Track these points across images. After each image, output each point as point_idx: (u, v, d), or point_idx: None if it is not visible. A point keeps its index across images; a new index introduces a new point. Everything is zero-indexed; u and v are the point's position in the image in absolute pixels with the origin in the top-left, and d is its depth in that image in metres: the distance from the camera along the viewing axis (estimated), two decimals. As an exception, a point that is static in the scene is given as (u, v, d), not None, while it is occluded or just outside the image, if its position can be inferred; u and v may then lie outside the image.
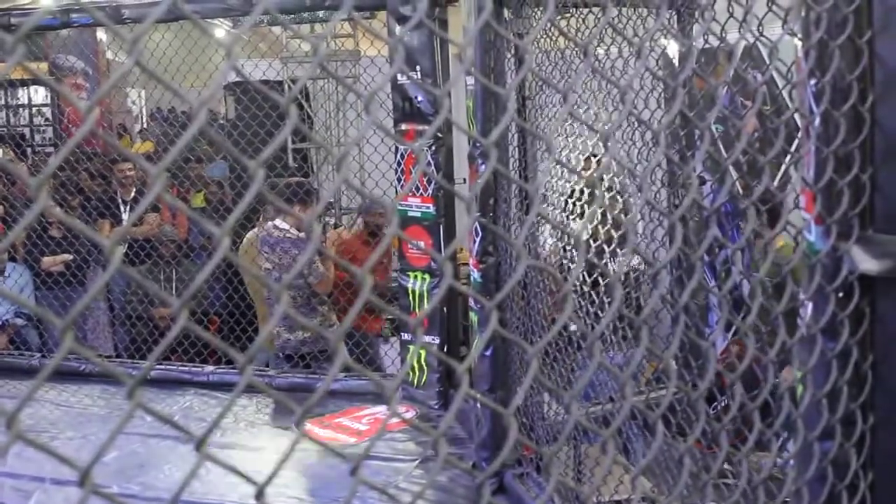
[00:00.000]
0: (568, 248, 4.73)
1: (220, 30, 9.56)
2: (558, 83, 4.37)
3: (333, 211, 7.13)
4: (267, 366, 6.76)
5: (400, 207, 5.54)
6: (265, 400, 5.97)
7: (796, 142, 5.06)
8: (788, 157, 5.50)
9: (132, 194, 8.13)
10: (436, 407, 5.79)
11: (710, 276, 5.86)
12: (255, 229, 6.75)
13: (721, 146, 5.89)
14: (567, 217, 4.82)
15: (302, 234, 6.12)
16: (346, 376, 6.06)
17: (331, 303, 6.51)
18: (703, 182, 4.71)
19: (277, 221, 6.28)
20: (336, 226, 6.61)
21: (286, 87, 8.22)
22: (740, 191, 6.24)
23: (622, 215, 4.44)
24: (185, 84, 7.50)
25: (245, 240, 6.79)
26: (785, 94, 5.27)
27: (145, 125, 15.66)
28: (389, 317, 7.93)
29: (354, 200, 7.96)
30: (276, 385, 6.14)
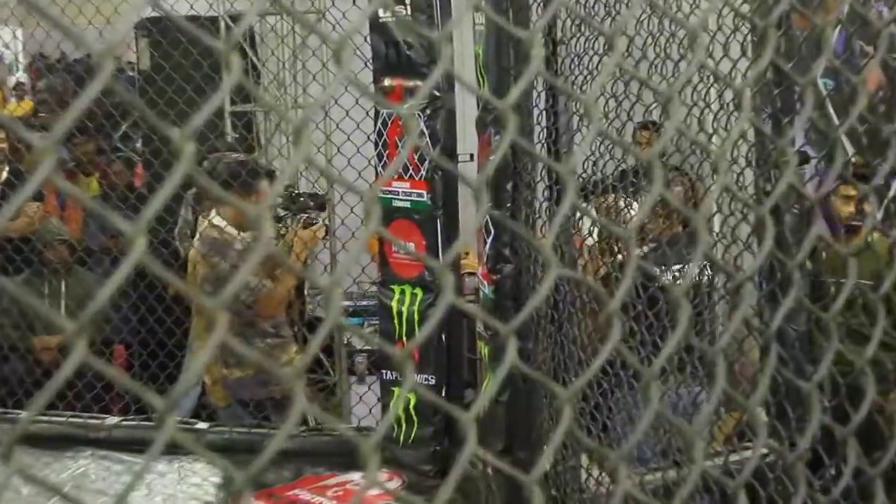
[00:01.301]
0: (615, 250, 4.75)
1: (130, -54, 9.56)
2: (602, 23, 4.38)
3: (297, 200, 7.09)
4: (197, 416, 6.76)
5: (382, 195, 5.54)
6: (192, 465, 5.97)
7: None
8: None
9: (3, 175, 8.14)
10: (430, 473, 5.80)
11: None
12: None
13: (831, 110, 5.89)
14: (615, 208, 4.83)
15: (241, 235, 6.10)
16: (304, 431, 6.07)
17: (291, 331, 6.50)
18: (805, 160, 4.71)
19: (214, 216, 6.27)
20: (309, 224, 6.55)
21: (223, 26, 8.23)
22: (857, 172, 6.25)
23: (691, 206, 4.46)
24: (81, 21, 7.51)
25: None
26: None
27: (22, 79, 15.65)
28: (365, 348, 7.94)
29: (318, 185, 7.97)
30: (207, 443, 6.13)
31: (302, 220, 6.54)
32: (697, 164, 4.92)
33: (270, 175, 6.31)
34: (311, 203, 7.01)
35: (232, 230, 6.13)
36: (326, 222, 6.89)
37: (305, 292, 7.91)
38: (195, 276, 6.31)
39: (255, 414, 6.42)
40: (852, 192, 5.89)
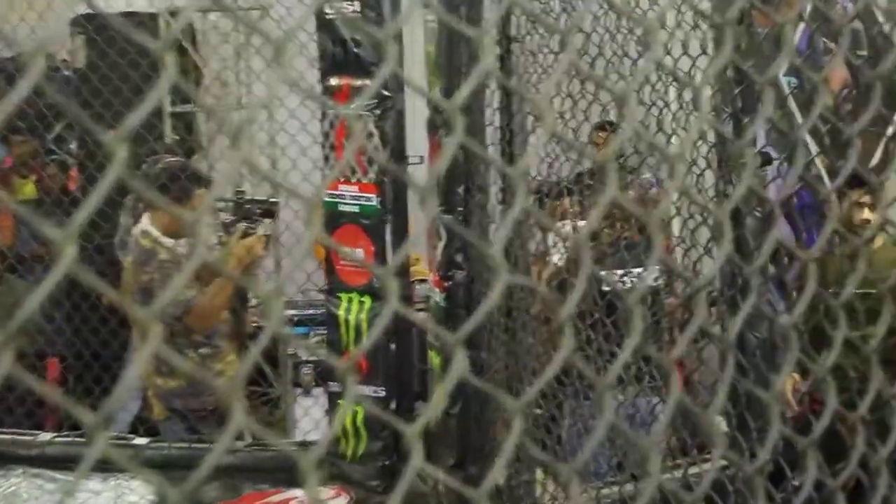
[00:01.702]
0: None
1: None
2: (558, 19, 4.40)
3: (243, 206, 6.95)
4: (134, 431, 6.72)
5: (327, 199, 5.53)
6: (128, 482, 5.93)
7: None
8: (892, 125, 5.56)
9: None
10: (379, 489, 5.79)
11: (779, 296, 5.91)
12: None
13: (795, 109, 5.94)
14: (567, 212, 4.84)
15: (175, 242, 6.02)
16: (248, 446, 6.04)
17: (229, 344, 6.44)
18: (767, 161, 4.75)
19: (145, 223, 6.17)
20: (249, 234, 6.40)
21: (162, 22, 8.19)
22: (822, 174, 6.31)
23: (648, 209, 4.46)
24: (12, 17, 7.45)
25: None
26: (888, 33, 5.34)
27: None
28: (312, 359, 7.92)
29: (262, 190, 7.92)
30: (145, 459, 6.09)
31: (240, 231, 6.39)
32: (656, 165, 4.94)
33: (208, 184, 6.18)
34: (258, 210, 6.87)
35: (166, 239, 6.04)
36: (267, 233, 6.76)
37: (250, 303, 7.86)
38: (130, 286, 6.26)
39: (195, 427, 6.37)
40: (866, 198, 5.84)
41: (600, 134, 6.83)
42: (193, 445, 6.21)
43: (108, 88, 7.24)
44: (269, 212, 6.89)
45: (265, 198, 7.27)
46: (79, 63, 8.64)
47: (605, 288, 4.20)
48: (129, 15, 7.58)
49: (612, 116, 5.27)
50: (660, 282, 4.73)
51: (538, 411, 4.43)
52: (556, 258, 5.22)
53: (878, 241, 5.51)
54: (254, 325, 7.64)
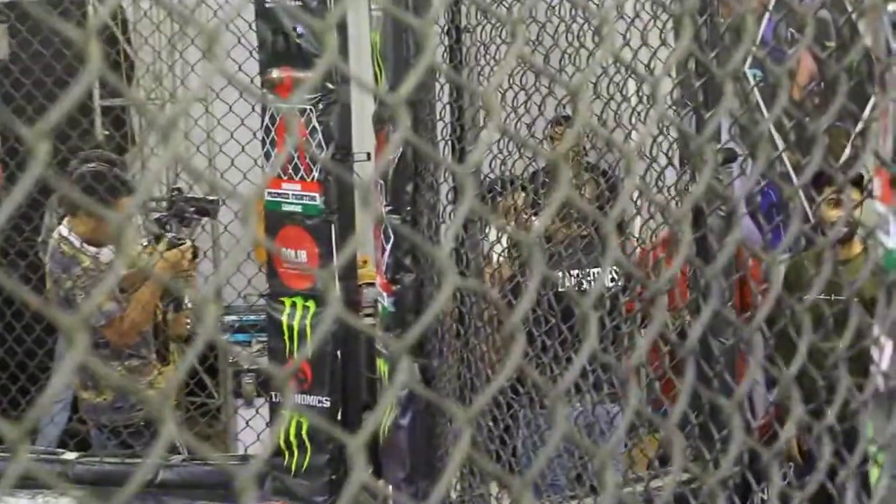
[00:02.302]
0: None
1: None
2: (509, 9, 4.41)
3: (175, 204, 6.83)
4: (64, 445, 6.68)
5: (270, 199, 5.51)
6: (56, 500, 5.88)
7: (873, 99, 5.17)
8: (860, 121, 5.59)
9: None
10: (325, 506, 5.78)
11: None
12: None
13: (761, 102, 5.97)
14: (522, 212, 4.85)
15: (94, 251, 5.95)
16: (183, 460, 6.01)
17: (159, 355, 6.39)
18: (731, 158, 4.78)
19: (63, 228, 6.10)
20: (176, 244, 6.28)
21: (91, 10, 8.14)
22: (790, 170, 6.34)
23: (604, 208, 4.49)
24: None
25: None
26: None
27: None
28: (254, 367, 7.89)
29: (195, 189, 7.87)
30: (73, 475, 6.05)
31: (165, 242, 6.25)
32: (615, 162, 4.95)
33: (132, 191, 6.06)
34: (193, 208, 6.76)
35: (88, 247, 5.96)
36: (196, 244, 6.64)
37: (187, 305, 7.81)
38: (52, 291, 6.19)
39: (128, 442, 6.33)
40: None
41: (557, 129, 6.83)
42: (126, 461, 6.17)
43: (32, 81, 7.18)
44: (205, 210, 6.81)
45: (202, 195, 7.21)
46: (1, 54, 8.57)
47: (562, 290, 4.21)
48: (54, 3, 7.54)
49: (570, 111, 5.28)
50: (619, 284, 4.74)
51: (490, 424, 4.44)
52: (497, 256, 5.21)
53: (857, 247, 5.54)
54: (188, 327, 7.59)
